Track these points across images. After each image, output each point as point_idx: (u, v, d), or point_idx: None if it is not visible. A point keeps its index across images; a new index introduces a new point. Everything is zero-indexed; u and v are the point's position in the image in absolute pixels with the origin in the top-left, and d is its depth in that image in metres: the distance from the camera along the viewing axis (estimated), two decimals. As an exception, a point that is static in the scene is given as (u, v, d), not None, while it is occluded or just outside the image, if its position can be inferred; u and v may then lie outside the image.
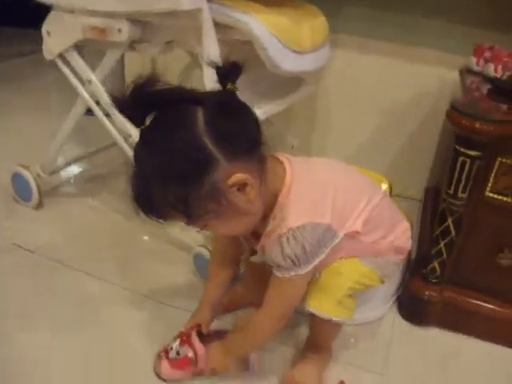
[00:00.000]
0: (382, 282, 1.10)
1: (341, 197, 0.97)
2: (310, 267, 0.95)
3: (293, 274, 0.94)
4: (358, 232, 1.00)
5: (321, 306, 1.02)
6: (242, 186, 0.86)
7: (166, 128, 0.84)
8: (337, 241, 0.97)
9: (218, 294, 1.16)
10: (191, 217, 0.87)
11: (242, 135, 0.86)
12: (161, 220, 0.89)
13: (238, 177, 0.85)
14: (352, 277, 1.03)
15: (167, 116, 0.85)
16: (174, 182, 0.84)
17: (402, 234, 1.11)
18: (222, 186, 0.84)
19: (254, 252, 1.10)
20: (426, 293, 1.27)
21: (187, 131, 0.83)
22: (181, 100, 0.85)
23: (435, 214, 1.32)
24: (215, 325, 1.17)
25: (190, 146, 0.82)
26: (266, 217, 0.95)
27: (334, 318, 1.02)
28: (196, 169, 0.83)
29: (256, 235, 1.01)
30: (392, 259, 1.10)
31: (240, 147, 0.85)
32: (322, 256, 0.95)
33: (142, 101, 0.84)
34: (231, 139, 0.84)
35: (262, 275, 1.05)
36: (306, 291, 1.01)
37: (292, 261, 0.92)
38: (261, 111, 1.26)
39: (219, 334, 1.14)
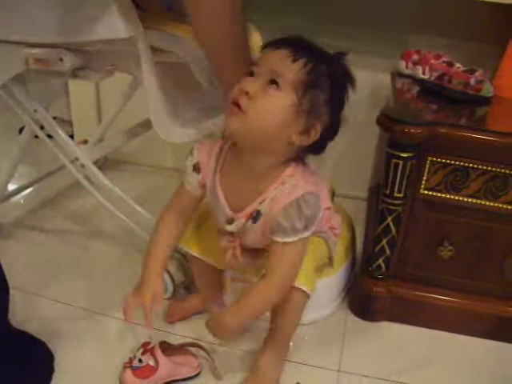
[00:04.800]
0: (331, 261, 1.21)
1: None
2: (311, 231, 1.01)
3: (300, 236, 0.99)
4: (330, 208, 1.14)
5: (301, 279, 1.06)
6: (313, 131, 0.96)
7: None
8: (321, 213, 1.04)
9: (168, 254, 1.14)
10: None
11: None
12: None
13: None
14: (317, 250, 1.14)
15: None
16: None
17: (335, 217, 1.21)
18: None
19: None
20: (374, 289, 1.33)
21: None
22: None
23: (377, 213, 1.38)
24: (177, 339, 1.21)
25: None
26: (263, 179, 1.01)
27: (309, 292, 1.08)
28: None
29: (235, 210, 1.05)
30: (331, 236, 1.19)
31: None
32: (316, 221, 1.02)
33: None
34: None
35: (213, 277, 1.18)
36: None
37: (306, 222, 0.98)
38: (206, 127, 1.30)
39: (181, 347, 1.18)
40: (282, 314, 1.10)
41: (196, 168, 1.08)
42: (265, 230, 1.03)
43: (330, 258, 1.21)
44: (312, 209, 0.98)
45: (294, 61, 0.92)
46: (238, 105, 0.92)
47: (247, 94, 0.92)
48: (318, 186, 1.03)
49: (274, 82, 0.92)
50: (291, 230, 0.98)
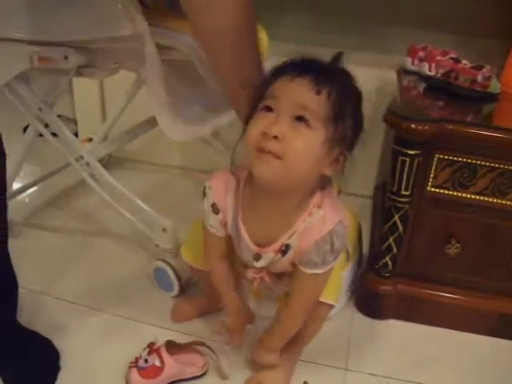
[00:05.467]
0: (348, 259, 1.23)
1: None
2: (339, 258, 1.00)
3: (328, 267, 0.98)
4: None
5: (327, 294, 1.06)
6: (342, 159, 0.93)
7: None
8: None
9: (234, 283, 1.13)
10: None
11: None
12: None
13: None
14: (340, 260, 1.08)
15: None
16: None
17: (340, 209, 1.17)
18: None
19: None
20: (381, 287, 1.32)
21: None
22: None
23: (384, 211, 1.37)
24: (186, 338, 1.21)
25: None
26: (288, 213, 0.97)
27: (334, 303, 1.09)
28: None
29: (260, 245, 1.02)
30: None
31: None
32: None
33: None
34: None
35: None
36: None
37: (336, 254, 0.96)
38: (210, 125, 1.29)
39: (187, 346, 1.17)
40: (307, 326, 1.10)
41: (214, 209, 1.03)
42: (292, 262, 1.01)
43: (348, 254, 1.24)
44: (342, 240, 0.96)
45: (318, 93, 0.86)
46: (268, 151, 0.86)
47: (276, 137, 0.85)
48: (342, 209, 1.00)
49: (302, 118, 0.86)
50: (322, 263, 0.97)
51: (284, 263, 1.02)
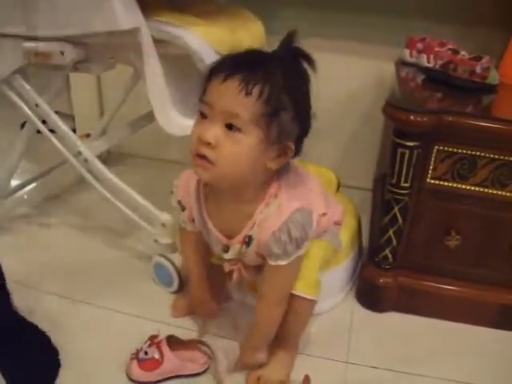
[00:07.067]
0: (336, 251, 1.21)
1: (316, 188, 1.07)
2: (305, 248, 1.00)
3: (293, 257, 0.98)
4: (325, 213, 1.09)
5: (303, 288, 1.06)
6: (288, 150, 0.92)
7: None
8: (315, 224, 1.01)
9: (205, 275, 1.20)
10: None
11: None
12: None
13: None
14: (318, 254, 1.11)
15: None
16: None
17: (336, 208, 1.19)
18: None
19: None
20: (381, 279, 1.32)
21: None
22: None
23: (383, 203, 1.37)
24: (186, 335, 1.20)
25: None
26: (244, 202, 0.99)
27: (314, 298, 1.08)
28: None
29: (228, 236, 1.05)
30: (334, 230, 1.18)
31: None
32: (309, 237, 1.00)
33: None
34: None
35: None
36: None
37: (297, 243, 0.96)
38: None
39: (189, 344, 1.17)
40: (290, 322, 1.10)
41: (181, 206, 1.11)
42: (258, 253, 1.03)
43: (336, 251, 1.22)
44: (301, 229, 0.95)
45: (248, 94, 0.85)
46: (202, 156, 0.89)
47: (209, 144, 0.87)
48: (305, 196, 1.00)
49: (232, 126, 0.87)
50: (284, 254, 0.97)
51: (252, 255, 1.04)
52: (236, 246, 1.04)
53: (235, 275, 1.11)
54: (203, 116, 0.89)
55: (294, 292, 1.05)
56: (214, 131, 0.87)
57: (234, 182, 0.94)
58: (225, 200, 1.01)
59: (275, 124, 0.88)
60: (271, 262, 0.99)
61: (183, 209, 1.10)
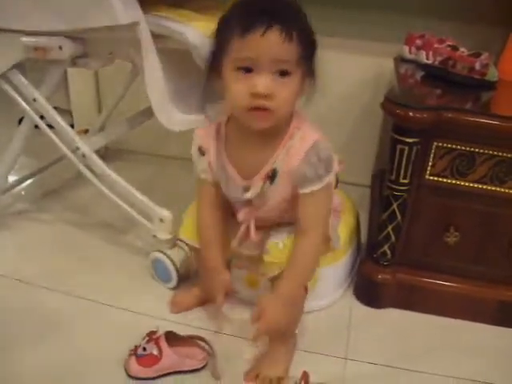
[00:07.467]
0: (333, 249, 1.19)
1: None
2: (333, 174, 1.02)
3: (325, 181, 1.00)
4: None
5: None
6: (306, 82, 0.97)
7: None
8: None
9: (220, 241, 1.15)
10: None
11: None
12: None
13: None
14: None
15: None
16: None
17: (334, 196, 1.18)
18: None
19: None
20: (379, 276, 1.32)
21: None
22: None
23: (382, 199, 1.37)
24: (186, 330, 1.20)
25: None
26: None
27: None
28: None
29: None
30: (333, 221, 1.17)
31: None
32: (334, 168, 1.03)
33: None
34: None
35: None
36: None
37: (326, 165, 0.99)
38: (214, 111, 1.28)
39: (188, 340, 1.17)
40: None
41: (201, 151, 1.09)
42: (284, 190, 1.04)
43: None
44: (327, 151, 0.99)
45: (290, 41, 0.89)
46: (262, 108, 0.92)
47: (267, 96, 0.90)
48: (317, 128, 1.04)
49: (284, 72, 0.91)
50: (316, 178, 0.99)
51: (275, 195, 1.05)
52: (258, 183, 1.04)
53: (242, 229, 1.10)
54: (247, 70, 0.91)
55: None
56: (266, 82, 0.90)
57: (280, 121, 0.98)
58: (252, 138, 1.02)
59: (309, 60, 0.95)
60: (305, 190, 1.00)
61: (203, 153, 1.09)
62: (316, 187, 1.00)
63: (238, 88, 0.92)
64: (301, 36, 0.90)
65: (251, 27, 0.88)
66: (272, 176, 1.02)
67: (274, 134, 1.00)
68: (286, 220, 1.11)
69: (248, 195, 1.05)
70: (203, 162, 1.09)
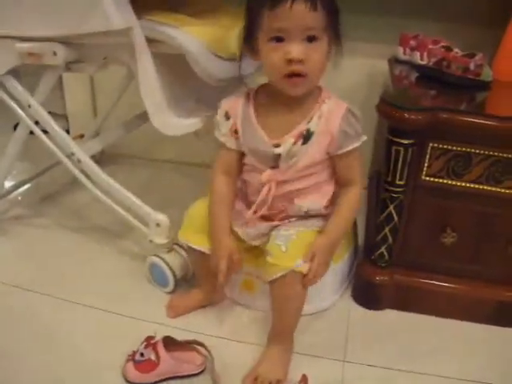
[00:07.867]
0: None
1: None
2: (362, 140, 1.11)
3: (361, 140, 1.10)
4: None
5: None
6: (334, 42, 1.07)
7: None
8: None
9: (228, 213, 1.20)
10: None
11: None
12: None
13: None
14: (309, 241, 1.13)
15: None
16: None
17: None
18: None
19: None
20: (377, 278, 1.32)
21: None
22: None
23: (379, 201, 1.37)
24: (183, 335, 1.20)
25: None
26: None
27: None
28: None
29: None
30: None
31: None
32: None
33: None
34: None
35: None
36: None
37: (360, 125, 1.09)
38: (202, 118, 1.28)
39: (186, 344, 1.17)
40: (283, 310, 1.12)
41: (226, 116, 1.15)
42: (317, 151, 1.09)
43: None
44: (358, 113, 1.09)
45: (315, 9, 0.97)
46: (297, 74, 1.00)
47: (300, 61, 0.99)
48: None
49: (312, 38, 0.99)
50: (356, 135, 1.09)
51: (303, 158, 1.09)
52: (289, 140, 1.09)
53: (264, 191, 1.13)
54: (279, 40, 1.00)
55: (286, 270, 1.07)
56: (299, 48, 0.99)
57: (312, 87, 1.08)
58: (283, 103, 1.09)
59: (333, 26, 1.04)
60: (348, 148, 1.09)
61: (228, 117, 1.14)
62: (356, 144, 1.09)
63: (274, 57, 1.01)
64: (324, 4, 0.99)
65: (279, 0, 0.97)
66: (306, 136, 1.08)
67: (305, 99, 1.08)
68: (301, 198, 1.16)
69: (279, 150, 1.10)
70: (226, 126, 1.15)
